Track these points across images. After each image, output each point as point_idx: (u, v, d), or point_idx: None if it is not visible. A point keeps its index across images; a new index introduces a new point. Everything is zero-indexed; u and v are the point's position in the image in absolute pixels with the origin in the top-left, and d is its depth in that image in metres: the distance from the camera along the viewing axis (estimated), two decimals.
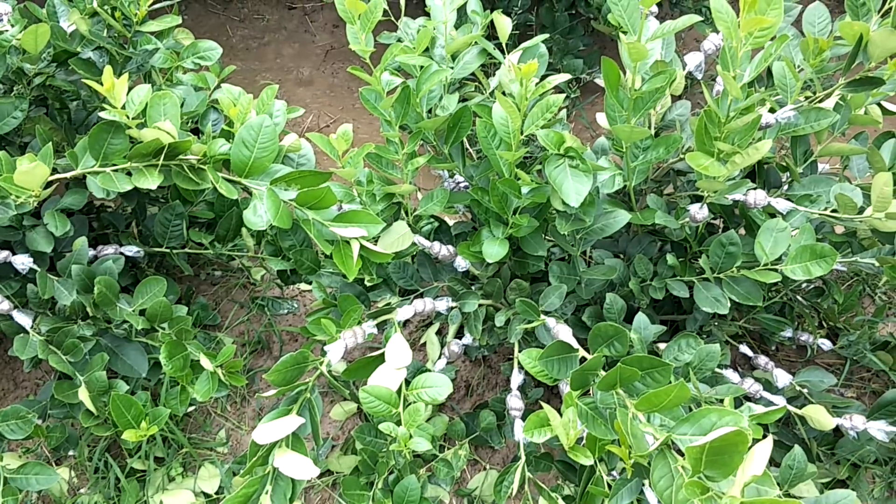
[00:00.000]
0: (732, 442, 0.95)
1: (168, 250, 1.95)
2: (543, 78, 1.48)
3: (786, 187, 1.77)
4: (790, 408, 1.74)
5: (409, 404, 1.39)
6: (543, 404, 1.31)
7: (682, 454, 1.08)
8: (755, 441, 0.97)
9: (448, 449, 1.95)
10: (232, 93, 1.60)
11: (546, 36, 1.73)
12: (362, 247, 1.41)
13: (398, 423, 1.37)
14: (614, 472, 1.52)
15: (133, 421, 1.59)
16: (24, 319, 1.74)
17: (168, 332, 1.76)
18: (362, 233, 1.40)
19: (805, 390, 1.87)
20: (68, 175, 1.51)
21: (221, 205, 2.01)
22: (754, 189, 1.60)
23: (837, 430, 1.77)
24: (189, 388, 1.72)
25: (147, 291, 1.76)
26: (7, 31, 1.71)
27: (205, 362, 1.62)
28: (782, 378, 1.85)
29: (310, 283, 1.79)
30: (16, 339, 1.73)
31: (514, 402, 1.69)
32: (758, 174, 1.76)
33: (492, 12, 1.74)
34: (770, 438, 0.95)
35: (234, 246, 1.98)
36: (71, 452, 1.96)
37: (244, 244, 1.98)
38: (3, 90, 1.80)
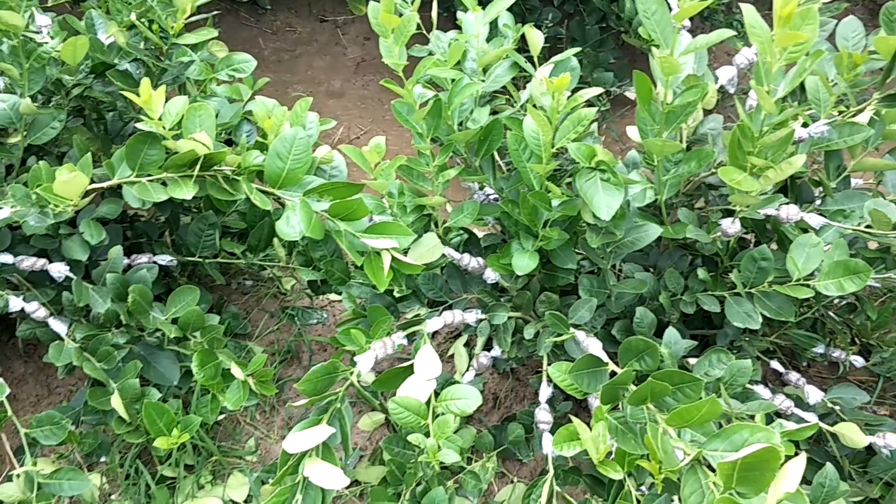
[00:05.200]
0: (765, 458, 0.94)
1: (201, 260, 1.97)
2: (575, 91, 1.48)
3: (819, 202, 1.75)
4: (822, 425, 1.72)
5: (438, 416, 1.39)
6: (573, 418, 1.31)
7: (712, 470, 1.07)
8: (787, 458, 0.97)
9: (475, 461, 1.95)
10: (266, 105, 1.62)
11: (577, 49, 1.74)
12: (393, 258, 1.41)
13: (427, 435, 1.37)
14: (643, 488, 1.51)
15: (165, 429, 1.60)
16: (59, 326, 1.77)
17: (200, 340, 1.78)
18: (393, 244, 1.41)
19: (837, 407, 1.84)
20: (105, 185, 1.54)
21: (253, 215, 2.03)
22: (787, 204, 1.59)
23: (870, 448, 1.74)
24: (220, 397, 1.74)
25: (180, 300, 1.78)
26: (47, 42, 1.75)
27: (236, 371, 1.64)
28: (814, 395, 1.82)
29: (339, 294, 1.80)
30: (51, 346, 1.76)
31: (543, 415, 1.69)
32: (790, 189, 1.74)
33: (523, 25, 1.75)
34: (803, 455, 0.94)
35: (266, 256, 2.00)
36: (103, 459, 1.98)
37: (275, 254, 1.99)
38: (42, 101, 1.84)
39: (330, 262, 1.69)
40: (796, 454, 1.85)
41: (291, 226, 1.40)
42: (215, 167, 1.52)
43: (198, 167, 1.50)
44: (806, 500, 1.02)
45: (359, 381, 1.50)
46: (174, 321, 1.79)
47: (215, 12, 2.07)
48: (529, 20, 3.04)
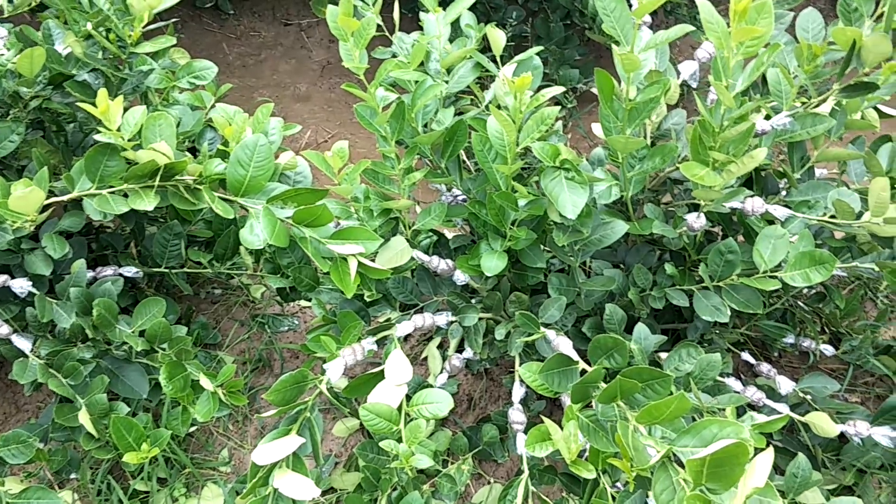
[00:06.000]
0: (733, 454, 0.94)
1: (167, 270, 1.95)
2: (540, 90, 1.48)
3: (784, 194, 1.77)
4: (793, 415, 1.73)
5: (411, 420, 1.38)
6: (544, 418, 1.30)
7: (683, 466, 1.07)
8: (759, 450, 0.97)
9: (451, 463, 1.94)
10: (227, 112, 1.60)
11: (540, 48, 1.74)
12: (360, 263, 1.40)
13: (399, 440, 1.36)
14: (619, 484, 1.51)
15: (134, 443, 1.58)
16: (23, 343, 1.74)
17: (168, 352, 1.75)
18: (360, 249, 1.40)
19: (808, 397, 1.86)
20: (65, 198, 1.52)
21: (220, 223, 2.01)
22: (752, 196, 1.60)
23: (843, 435, 1.76)
24: (190, 409, 1.72)
25: (146, 312, 1.76)
26: (3, 54, 1.72)
27: (205, 382, 1.62)
28: (785, 385, 1.84)
29: (309, 300, 1.78)
30: (15, 363, 1.73)
31: (516, 415, 1.69)
32: (755, 181, 1.75)
33: (486, 25, 1.75)
34: (771, 450, 0.94)
35: (233, 264, 1.98)
36: (73, 475, 1.95)
37: (243, 262, 1.98)
38: (0, 114, 1.80)
39: (298, 269, 1.68)
40: (769, 445, 1.87)
41: (255, 234, 1.39)
42: (177, 177, 1.50)
43: (159, 177, 1.48)
44: (776, 494, 1.02)
45: (331, 388, 1.49)
46: (141, 333, 1.76)
47: (175, 19, 2.04)
48: (494, 19, 3.03)
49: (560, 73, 3.05)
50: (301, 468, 1.28)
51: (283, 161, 1.57)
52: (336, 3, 1.46)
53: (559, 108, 1.49)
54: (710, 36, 1.22)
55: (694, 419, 1.23)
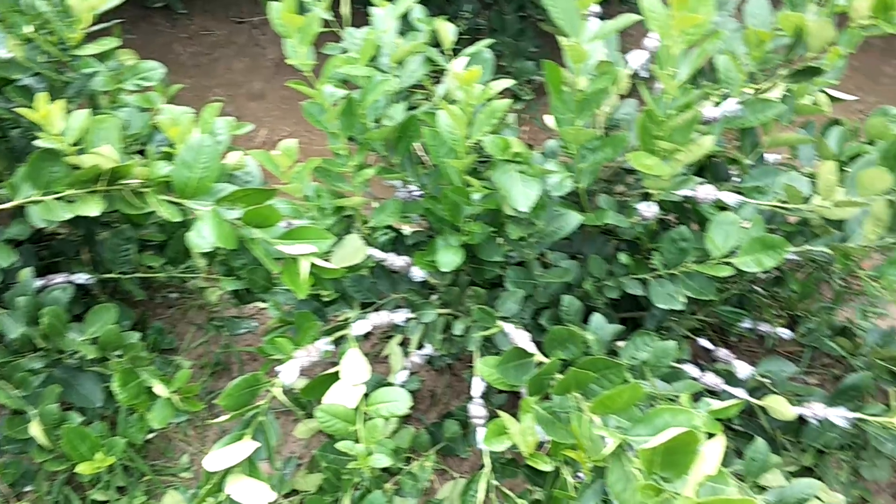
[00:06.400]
0: (684, 442, 0.94)
1: (119, 276, 1.91)
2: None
3: (737, 180, 1.78)
4: (750, 399, 1.74)
5: (368, 420, 1.37)
6: (501, 413, 1.30)
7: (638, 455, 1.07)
8: (714, 437, 0.97)
9: (416, 461, 1.93)
10: (173, 112, 1.57)
11: (491, 41, 1.73)
12: (312, 263, 1.38)
13: (357, 441, 1.35)
14: (580, 474, 1.51)
15: (88, 453, 1.55)
16: None
17: (121, 360, 1.72)
18: (311, 249, 1.37)
19: (767, 381, 1.87)
20: (9, 206, 1.48)
21: (173, 227, 1.98)
22: (703, 184, 1.60)
23: (803, 417, 1.77)
24: (146, 416, 1.69)
25: (97, 320, 1.72)
26: None
27: (159, 389, 1.59)
28: (743, 370, 1.85)
29: (266, 301, 1.76)
30: None
31: (477, 410, 1.68)
32: (707, 169, 1.76)
33: (437, 19, 1.73)
34: (722, 437, 0.94)
35: (187, 268, 1.95)
36: (29, 488, 1.91)
37: (197, 265, 1.94)
38: None
39: (251, 270, 1.65)
40: (729, 429, 1.88)
41: (202, 236, 1.36)
42: (122, 181, 1.47)
43: (104, 182, 1.45)
44: (729, 480, 1.03)
45: (291, 391, 1.47)
46: (94, 342, 1.73)
47: (122, 20, 1.99)
48: (448, 12, 3.02)
49: (516, 65, 3.04)
50: (255, 473, 1.27)
51: (232, 161, 1.54)
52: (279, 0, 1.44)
53: (515, 100, 1.48)
54: (652, 25, 1.22)
55: (653, 406, 1.23)
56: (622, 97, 1.78)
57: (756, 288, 2.11)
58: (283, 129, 3.09)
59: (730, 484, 1.01)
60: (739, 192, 1.66)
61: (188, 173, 1.39)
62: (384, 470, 1.82)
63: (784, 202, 1.60)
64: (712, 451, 0.93)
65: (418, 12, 1.76)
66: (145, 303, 2.30)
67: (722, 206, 1.64)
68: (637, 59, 1.74)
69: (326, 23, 1.69)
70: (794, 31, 1.52)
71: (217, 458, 1.23)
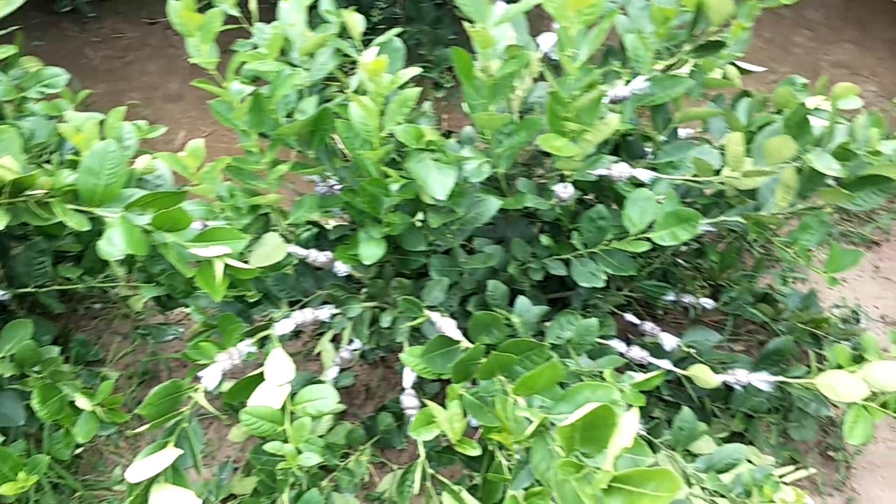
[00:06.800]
0: (601, 416, 0.95)
1: (36, 290, 1.85)
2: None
3: (651, 157, 1.81)
4: (675, 369, 1.78)
5: (296, 419, 1.36)
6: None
7: None
8: (640, 409, 0.98)
9: (354, 456, 1.93)
10: (76, 119, 1.53)
11: (400, 30, 1.72)
12: (227, 265, 1.36)
13: (286, 441, 1.33)
14: (517, 457, 1.52)
15: (10, 473, 1.50)
16: None
17: (40, 375, 1.67)
18: (226, 250, 1.35)
19: (693, 350, 1.91)
20: None
21: (88, 236, 1.93)
22: (617, 162, 1.63)
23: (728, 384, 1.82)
24: (72, 431, 1.65)
25: (13, 336, 1.67)
26: None
27: (81, 402, 1.55)
28: (669, 341, 1.89)
29: (189, 307, 1.73)
30: None
31: (409, 400, 1.68)
32: (622, 147, 1.79)
33: (355, 9, 1.71)
34: (636, 410, 0.96)
35: (106, 277, 1.90)
36: None
37: (115, 274, 1.90)
38: None
39: (170, 276, 1.62)
40: (660, 401, 1.91)
41: (113, 244, 1.32)
42: (27, 192, 1.42)
43: (7, 194, 1.40)
44: (648, 451, 1.05)
45: (220, 395, 1.45)
46: (11, 359, 1.67)
47: (23, 27, 1.93)
48: (363, 2, 2.99)
49: (435, 53, 3.03)
50: (180, 481, 1.24)
51: (140, 165, 1.51)
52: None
53: (436, 88, 1.48)
54: (548, 7, 1.23)
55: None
56: (536, 80, 1.79)
57: (679, 261, 2.16)
58: (203, 130, 3.03)
59: (649, 454, 1.03)
60: (654, 169, 1.69)
61: (94, 180, 1.35)
62: (321, 467, 1.81)
63: (696, 176, 1.63)
64: (628, 423, 0.94)
65: (327, 4, 1.75)
66: (68, 315, 2.24)
67: (637, 184, 1.66)
68: (547, 41, 1.76)
69: (236, 20, 1.66)
70: (696, 6, 1.55)
71: (140, 468, 1.20)
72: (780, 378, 1.75)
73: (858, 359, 1.70)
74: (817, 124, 1.52)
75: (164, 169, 1.56)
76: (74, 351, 1.99)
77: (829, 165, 1.45)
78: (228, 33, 1.57)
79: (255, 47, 1.71)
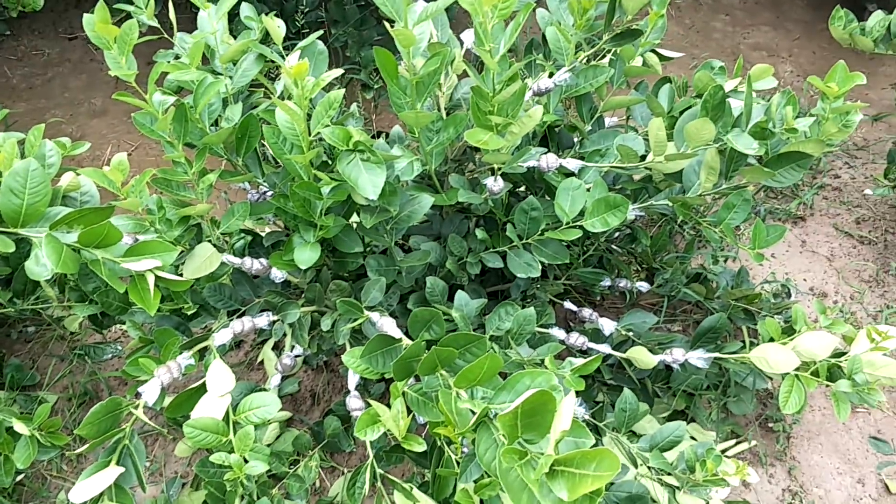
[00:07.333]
0: (540, 402, 0.97)
1: None
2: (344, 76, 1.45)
3: (578, 146, 1.84)
4: (615, 353, 1.81)
5: (239, 429, 1.35)
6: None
7: None
8: (579, 393, 1.00)
9: (304, 461, 1.92)
10: None
11: (322, 32, 1.72)
12: (158, 278, 1.34)
13: (231, 451, 1.33)
14: (465, 450, 1.53)
15: None
16: None
17: None
18: (157, 263, 1.33)
19: (631, 333, 1.95)
20: None
21: (18, 257, 1.88)
22: (546, 153, 1.65)
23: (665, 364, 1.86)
24: (11, 457, 1.60)
25: None
26: None
27: (19, 427, 1.51)
28: (608, 326, 1.92)
29: (125, 323, 1.70)
30: None
31: (354, 402, 1.68)
32: (550, 138, 1.82)
33: (276, 15, 1.70)
34: (573, 393, 0.98)
35: (38, 298, 1.86)
36: None
37: (47, 295, 1.85)
38: None
39: (103, 293, 1.59)
40: (604, 384, 1.94)
41: (41, 264, 1.30)
42: None
43: None
44: (588, 433, 1.07)
45: (158, 411, 1.43)
46: None
47: None
48: (287, 7, 2.97)
49: (361, 54, 3.03)
50: (125, 499, 1.23)
51: (65, 183, 1.48)
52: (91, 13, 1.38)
53: (365, 89, 1.48)
54: (464, 3, 1.25)
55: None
56: (461, 77, 1.80)
57: (613, 247, 2.20)
58: (130, 144, 2.98)
59: (590, 437, 1.05)
60: (581, 158, 1.72)
61: (16, 200, 1.32)
62: (271, 475, 1.80)
63: (622, 162, 1.67)
64: (566, 407, 0.96)
65: (248, 10, 1.73)
66: (0, 341, 2.18)
67: (567, 173, 1.69)
68: (470, 38, 1.77)
69: (157, 31, 1.64)
70: None
71: (83, 489, 1.18)
72: (716, 354, 1.79)
73: (789, 331, 1.76)
74: (736, 106, 1.57)
75: (90, 185, 1.52)
76: (9, 376, 1.94)
77: (748, 145, 1.50)
78: (152, 44, 1.55)
79: (177, 57, 1.70)
